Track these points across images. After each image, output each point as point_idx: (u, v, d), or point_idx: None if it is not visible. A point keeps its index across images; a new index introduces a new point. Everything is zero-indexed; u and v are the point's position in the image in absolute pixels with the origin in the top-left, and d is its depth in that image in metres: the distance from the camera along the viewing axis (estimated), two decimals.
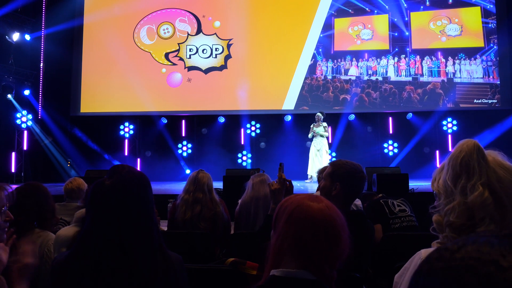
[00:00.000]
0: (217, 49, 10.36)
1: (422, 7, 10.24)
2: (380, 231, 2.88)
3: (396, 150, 10.11)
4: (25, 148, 10.08)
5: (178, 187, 7.70)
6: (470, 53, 9.96)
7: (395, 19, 10.17)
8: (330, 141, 9.54)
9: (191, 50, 10.40)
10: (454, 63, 9.98)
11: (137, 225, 1.26)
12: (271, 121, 10.31)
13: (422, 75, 10.03)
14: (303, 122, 9.83)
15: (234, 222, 3.36)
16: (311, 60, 10.20)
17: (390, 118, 10.22)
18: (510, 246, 0.40)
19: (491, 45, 9.92)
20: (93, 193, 1.29)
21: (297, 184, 7.88)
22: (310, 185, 7.84)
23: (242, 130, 10.32)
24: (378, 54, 10.18)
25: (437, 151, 10.01)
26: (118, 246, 1.23)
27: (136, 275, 1.22)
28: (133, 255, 1.23)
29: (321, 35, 10.22)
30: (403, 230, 2.96)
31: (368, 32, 10.25)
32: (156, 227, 1.33)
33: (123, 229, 1.24)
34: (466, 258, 0.40)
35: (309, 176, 8.59)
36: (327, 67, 10.23)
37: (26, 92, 10.04)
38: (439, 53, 10.03)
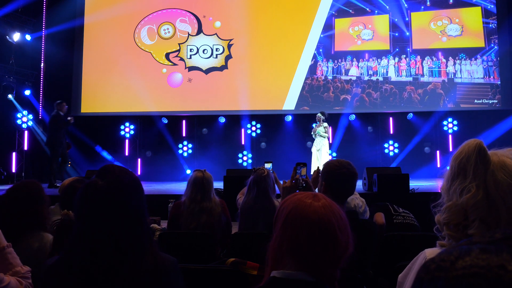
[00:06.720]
0: (218, 49, 10.36)
1: (422, 7, 10.24)
2: (381, 217, 2.98)
3: (396, 150, 10.10)
4: (25, 148, 10.08)
5: (179, 187, 7.70)
6: (470, 53, 9.95)
7: (396, 19, 10.16)
8: (330, 141, 9.52)
9: (192, 50, 10.40)
10: (454, 63, 9.97)
11: (129, 228, 1.21)
12: (271, 121, 10.30)
13: (422, 75, 10.03)
14: (303, 122, 9.83)
15: (238, 222, 3.36)
16: (312, 60, 10.20)
17: (391, 118, 10.21)
18: (509, 251, 0.41)
19: (492, 45, 9.91)
20: (85, 195, 1.21)
21: None
22: None
23: (243, 130, 10.32)
24: (379, 54, 10.17)
25: (438, 151, 10.00)
26: (108, 250, 1.18)
27: (124, 279, 1.18)
28: (122, 258, 1.19)
29: (321, 35, 10.22)
30: (404, 226, 3.04)
31: (369, 32, 10.25)
32: (147, 230, 1.27)
33: (114, 232, 1.19)
34: (468, 267, 0.41)
35: None
36: (327, 67, 10.22)
37: (27, 92, 10.03)
38: (439, 53, 10.02)
